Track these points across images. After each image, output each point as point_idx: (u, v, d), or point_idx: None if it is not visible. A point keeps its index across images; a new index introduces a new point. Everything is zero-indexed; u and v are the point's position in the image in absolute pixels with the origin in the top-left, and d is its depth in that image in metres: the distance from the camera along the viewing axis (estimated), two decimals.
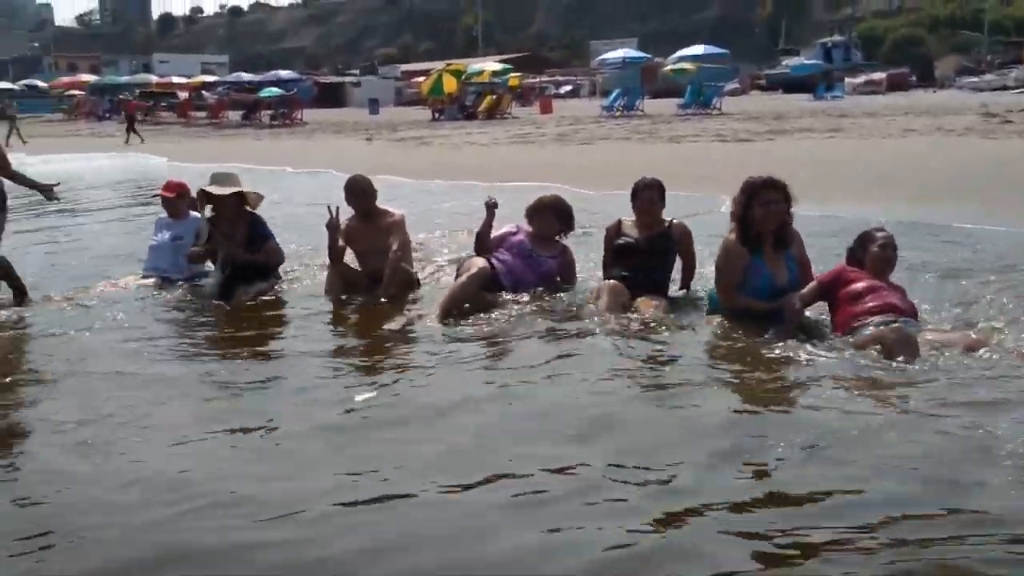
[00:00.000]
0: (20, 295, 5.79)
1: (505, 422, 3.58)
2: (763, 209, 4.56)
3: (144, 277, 6.39)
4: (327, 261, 5.95)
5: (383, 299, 5.58)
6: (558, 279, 5.71)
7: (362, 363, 4.47)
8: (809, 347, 4.20)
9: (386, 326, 5.02)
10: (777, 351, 4.19)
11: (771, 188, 4.59)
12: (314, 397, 3.91)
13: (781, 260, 4.68)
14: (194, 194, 6.34)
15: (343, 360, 4.54)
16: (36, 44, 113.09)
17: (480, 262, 5.45)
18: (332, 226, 5.72)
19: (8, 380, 4.28)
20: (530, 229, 5.78)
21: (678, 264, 5.47)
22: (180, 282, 6.26)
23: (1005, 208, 8.37)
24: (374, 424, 3.55)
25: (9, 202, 6.12)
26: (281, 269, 6.33)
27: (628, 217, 5.44)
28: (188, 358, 4.65)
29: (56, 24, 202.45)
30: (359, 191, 5.93)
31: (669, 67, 39.80)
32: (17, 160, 7.17)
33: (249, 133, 31.17)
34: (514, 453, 3.19)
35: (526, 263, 5.60)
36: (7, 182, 6.06)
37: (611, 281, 5.18)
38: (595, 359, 4.24)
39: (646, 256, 5.24)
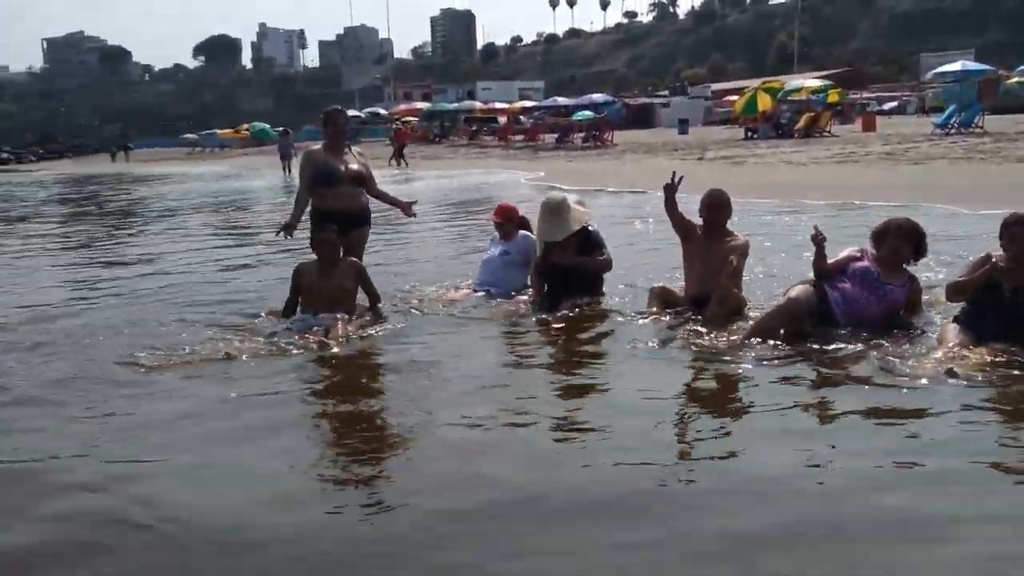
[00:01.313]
0: (374, 302, 6.28)
1: None
2: None
3: (475, 290, 6.85)
4: (655, 284, 6.05)
5: (709, 322, 5.46)
6: (902, 312, 5.32)
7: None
8: None
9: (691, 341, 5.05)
10: None
11: None
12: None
13: None
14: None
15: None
16: (379, 76, 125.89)
17: (799, 288, 5.21)
18: (669, 187, 5.81)
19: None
20: (875, 253, 5.40)
21: None
22: (505, 295, 6.64)
23: None
24: None
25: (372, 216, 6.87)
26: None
27: (1000, 253, 4.80)
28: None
29: (395, 56, 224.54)
30: (718, 204, 5.92)
31: (1015, 79, 35.80)
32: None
33: (562, 155, 32.39)
34: None
35: (871, 292, 5.22)
36: (372, 199, 6.81)
37: (953, 327, 4.77)
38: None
39: (1015, 309, 4.67)
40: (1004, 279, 4.73)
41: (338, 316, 5.68)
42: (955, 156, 18.93)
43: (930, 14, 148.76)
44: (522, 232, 6.98)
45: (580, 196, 6.93)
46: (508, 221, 7.05)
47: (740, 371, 4.60)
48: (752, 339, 5.00)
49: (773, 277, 6.85)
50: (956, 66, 34.67)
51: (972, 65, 36.82)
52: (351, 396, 4.48)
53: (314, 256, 6.03)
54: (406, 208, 6.88)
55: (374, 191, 6.79)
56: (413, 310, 6.43)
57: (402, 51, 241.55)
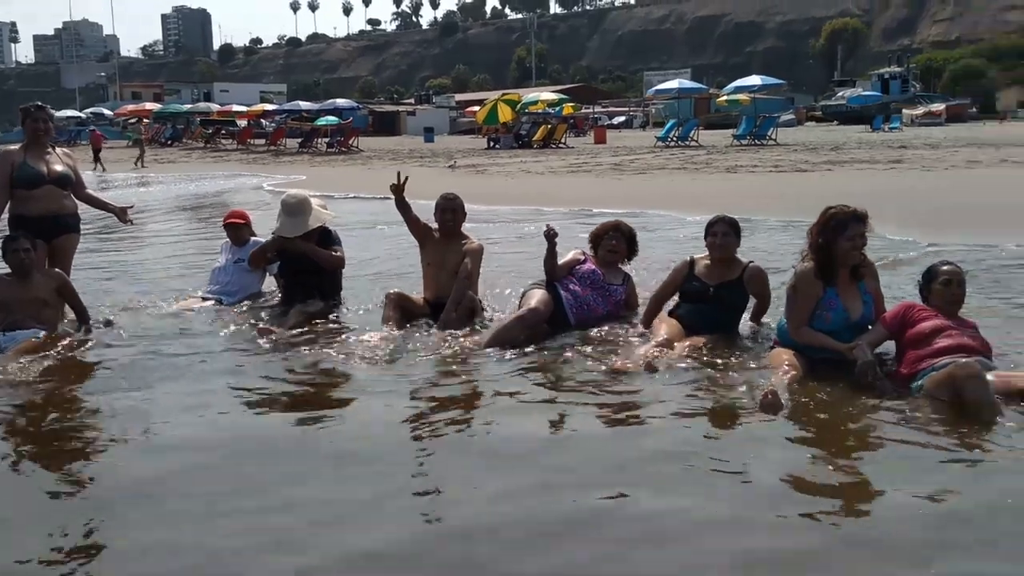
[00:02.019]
0: (81, 319, 5.68)
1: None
2: (849, 243, 4.34)
3: (204, 299, 6.47)
4: (390, 290, 5.93)
5: (443, 327, 5.43)
6: (627, 309, 5.68)
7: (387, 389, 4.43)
8: (867, 395, 3.99)
9: (430, 352, 5.00)
10: (827, 397, 4.02)
11: (859, 220, 4.36)
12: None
13: (856, 293, 4.48)
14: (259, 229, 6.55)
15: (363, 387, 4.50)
16: (103, 74, 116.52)
17: (538, 296, 5.34)
18: (396, 187, 5.88)
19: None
20: (594, 255, 5.70)
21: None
22: (238, 303, 6.35)
23: None
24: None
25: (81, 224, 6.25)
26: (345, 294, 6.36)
27: (702, 255, 5.25)
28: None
29: (122, 55, 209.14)
30: (452, 207, 5.93)
31: (723, 97, 39.67)
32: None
33: (306, 160, 31.68)
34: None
35: (597, 293, 5.51)
36: (81, 204, 6.19)
37: (666, 321, 5.13)
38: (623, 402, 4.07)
39: (715, 304, 5.10)
40: (706, 277, 5.14)
41: (34, 337, 5.11)
42: (673, 167, 20.61)
43: (652, 36, 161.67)
44: (254, 239, 6.70)
45: (323, 200, 6.70)
46: (243, 225, 6.72)
47: (479, 383, 4.51)
48: (491, 348, 4.99)
49: (516, 278, 6.94)
50: (673, 84, 37.94)
51: (687, 84, 40.44)
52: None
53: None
54: (120, 214, 6.31)
55: (82, 195, 6.17)
56: (126, 323, 5.87)
57: (131, 49, 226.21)
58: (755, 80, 35.73)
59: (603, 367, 4.59)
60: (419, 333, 5.41)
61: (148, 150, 35.47)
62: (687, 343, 4.84)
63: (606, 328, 5.32)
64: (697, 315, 5.08)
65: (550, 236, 5.43)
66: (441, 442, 3.67)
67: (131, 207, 6.49)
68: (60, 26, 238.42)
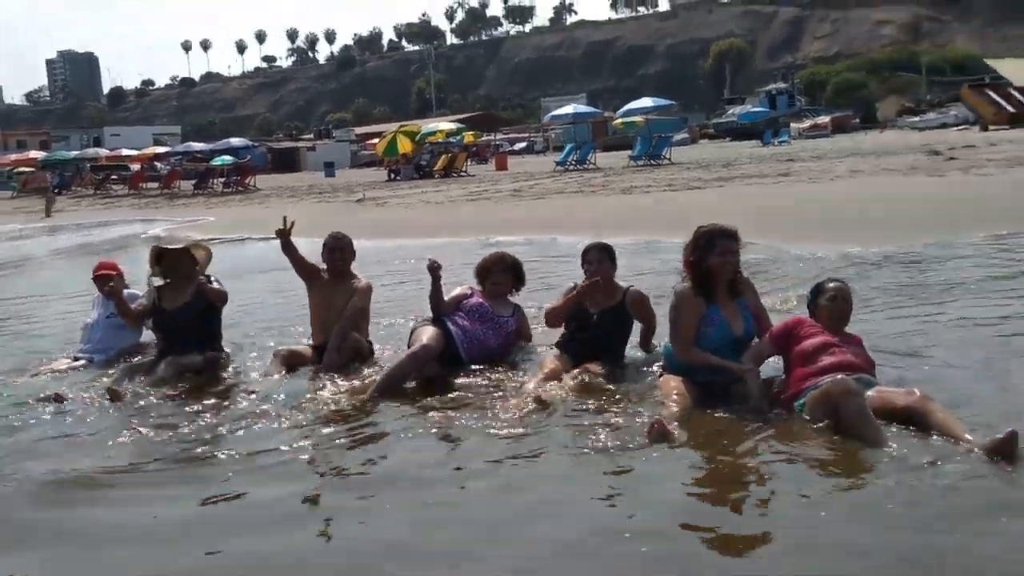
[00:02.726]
0: None
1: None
2: (720, 259, 4.39)
3: (75, 358, 6.13)
4: (276, 346, 5.77)
5: (327, 370, 5.28)
6: (518, 339, 5.65)
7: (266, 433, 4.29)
8: (755, 422, 4.00)
9: (316, 394, 4.85)
10: (721, 419, 4.05)
11: (728, 236, 4.44)
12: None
13: (736, 309, 4.52)
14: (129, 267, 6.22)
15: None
16: None
17: (429, 333, 5.24)
18: (281, 231, 5.71)
19: None
20: (481, 289, 5.65)
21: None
22: (114, 360, 6.01)
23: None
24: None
25: None
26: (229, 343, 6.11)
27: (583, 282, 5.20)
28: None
29: (5, 102, 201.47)
30: (339, 246, 5.80)
31: (619, 120, 40.49)
32: None
33: (201, 201, 30.89)
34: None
35: (487, 326, 5.45)
36: None
37: (553, 353, 5.13)
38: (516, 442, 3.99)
39: (599, 330, 5.09)
40: (589, 303, 5.12)
41: None
42: (572, 191, 20.86)
43: (547, 63, 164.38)
44: (128, 291, 6.25)
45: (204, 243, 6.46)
46: (115, 276, 6.19)
47: (367, 430, 4.37)
48: (382, 392, 4.83)
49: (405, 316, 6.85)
50: (568, 109, 38.55)
51: (583, 108, 41.19)
52: None
53: None
54: None
55: None
56: None
57: (15, 96, 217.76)
58: (647, 102, 36.62)
59: (495, 404, 4.51)
60: (300, 379, 5.24)
61: (37, 199, 34.04)
62: (574, 373, 4.81)
63: (497, 365, 5.27)
64: (583, 343, 5.06)
65: (434, 270, 5.38)
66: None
67: None
68: None
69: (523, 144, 67.77)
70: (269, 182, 37.79)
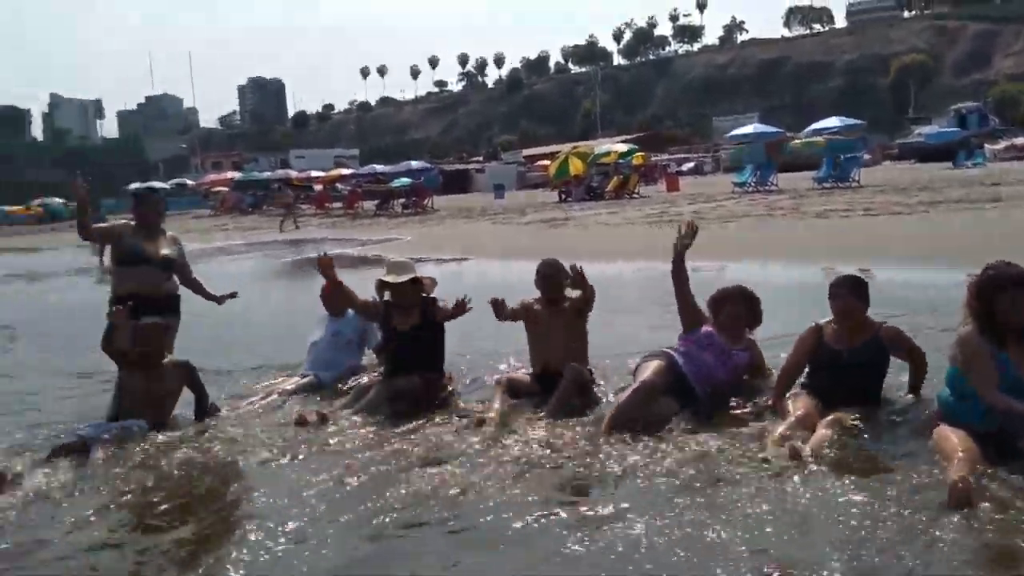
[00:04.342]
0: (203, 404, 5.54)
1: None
2: (1013, 308, 3.94)
3: (303, 376, 6.29)
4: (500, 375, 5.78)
5: (550, 412, 5.15)
6: (746, 377, 5.37)
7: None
8: None
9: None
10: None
11: (1019, 286, 3.95)
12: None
13: None
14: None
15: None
16: (184, 145, 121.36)
17: (654, 365, 5.05)
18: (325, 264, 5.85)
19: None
20: (713, 319, 5.39)
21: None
22: (337, 380, 6.17)
23: None
24: None
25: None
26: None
27: (827, 320, 4.85)
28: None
29: (201, 126, 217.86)
30: (552, 271, 5.73)
31: (799, 141, 39.02)
32: None
33: (384, 222, 32.01)
34: None
35: (714, 356, 5.17)
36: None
37: (802, 395, 4.73)
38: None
39: (854, 370, 4.67)
40: (835, 342, 4.76)
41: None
42: (758, 213, 20.09)
43: (717, 81, 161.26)
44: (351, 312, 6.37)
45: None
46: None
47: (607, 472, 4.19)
48: (611, 432, 4.66)
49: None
50: (749, 128, 37.44)
51: (763, 128, 39.90)
52: None
53: None
54: (221, 301, 6.38)
55: (187, 280, 6.31)
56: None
57: (209, 120, 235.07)
58: (834, 121, 35.01)
59: (742, 455, 4.23)
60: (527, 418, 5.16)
61: (229, 218, 36.35)
62: (829, 418, 4.42)
63: (734, 404, 5.01)
64: (833, 383, 4.67)
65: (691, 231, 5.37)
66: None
67: (234, 295, 6.46)
68: (143, 100, 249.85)
69: (691, 164, 66.52)
70: (442, 203, 38.81)
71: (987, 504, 3.40)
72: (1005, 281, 3.98)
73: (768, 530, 3.36)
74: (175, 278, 6.21)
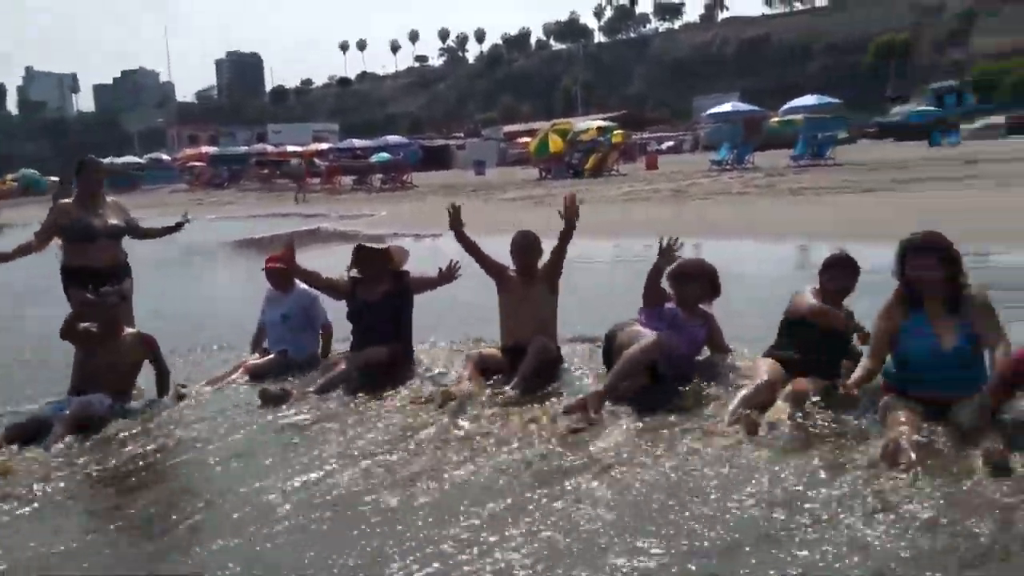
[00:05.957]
0: (164, 380, 5.51)
1: None
2: (915, 274, 4.14)
3: (274, 353, 6.17)
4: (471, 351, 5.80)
5: (516, 386, 5.16)
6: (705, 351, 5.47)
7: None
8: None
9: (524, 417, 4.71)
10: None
11: (922, 252, 4.13)
12: None
13: (952, 326, 4.10)
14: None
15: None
16: (160, 120, 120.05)
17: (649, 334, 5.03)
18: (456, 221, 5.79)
19: None
20: (673, 295, 5.40)
21: None
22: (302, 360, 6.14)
23: None
24: None
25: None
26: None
27: (812, 288, 4.91)
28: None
29: (178, 100, 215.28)
30: (526, 244, 5.75)
31: (776, 119, 39.07)
32: None
33: (361, 197, 31.88)
34: None
35: (677, 332, 5.20)
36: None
37: (768, 361, 4.80)
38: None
39: (823, 334, 4.74)
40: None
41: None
42: (736, 191, 20.20)
43: (698, 60, 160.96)
44: (300, 286, 6.17)
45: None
46: (286, 271, 6.06)
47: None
48: (608, 393, 4.74)
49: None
50: (727, 107, 37.49)
51: (742, 106, 39.98)
52: None
53: None
54: (177, 228, 6.60)
55: (139, 233, 6.45)
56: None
57: (186, 95, 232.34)
58: (810, 100, 35.13)
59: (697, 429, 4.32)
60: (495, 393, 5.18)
61: (204, 193, 36.07)
62: (788, 390, 4.51)
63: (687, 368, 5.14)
64: (805, 352, 4.75)
65: (672, 249, 5.23)
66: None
67: (185, 218, 6.55)
68: (118, 75, 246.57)
69: (671, 143, 66.56)
70: (422, 180, 38.66)
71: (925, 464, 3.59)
72: (907, 248, 4.20)
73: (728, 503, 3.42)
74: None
